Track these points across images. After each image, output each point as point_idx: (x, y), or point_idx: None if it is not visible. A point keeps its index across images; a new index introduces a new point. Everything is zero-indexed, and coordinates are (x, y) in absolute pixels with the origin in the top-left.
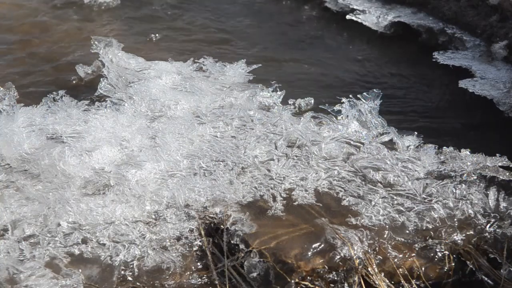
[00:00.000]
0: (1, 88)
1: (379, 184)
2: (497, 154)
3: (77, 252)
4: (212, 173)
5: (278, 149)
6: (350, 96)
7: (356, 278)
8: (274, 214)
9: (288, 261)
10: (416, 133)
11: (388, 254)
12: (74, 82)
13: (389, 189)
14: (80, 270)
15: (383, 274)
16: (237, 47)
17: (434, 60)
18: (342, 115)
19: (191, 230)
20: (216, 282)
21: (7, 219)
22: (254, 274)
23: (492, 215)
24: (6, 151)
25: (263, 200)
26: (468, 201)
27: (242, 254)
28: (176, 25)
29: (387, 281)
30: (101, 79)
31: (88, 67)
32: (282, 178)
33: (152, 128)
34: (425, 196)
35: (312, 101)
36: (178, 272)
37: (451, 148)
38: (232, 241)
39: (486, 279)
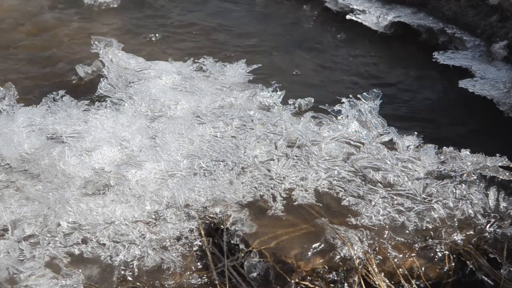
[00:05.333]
0: (1, 88)
1: (379, 184)
2: (497, 154)
3: (77, 252)
4: (212, 173)
5: (278, 149)
6: (350, 96)
7: (356, 278)
8: (274, 214)
9: (288, 261)
10: (416, 133)
11: (388, 254)
12: (74, 82)
13: (389, 189)
14: (80, 270)
15: (383, 274)
16: (237, 48)
17: (434, 60)
18: (342, 115)
19: (191, 230)
20: (216, 282)
21: (7, 219)
22: (254, 274)
23: (492, 215)
24: (6, 151)
25: (263, 200)
26: (468, 201)
27: (242, 254)
28: (176, 25)
29: (387, 281)
30: (101, 79)
31: (88, 67)
32: (282, 178)
33: (152, 128)
34: (425, 196)
35: (312, 101)
36: (178, 272)
37: (451, 148)
38: (232, 241)
39: (486, 279)
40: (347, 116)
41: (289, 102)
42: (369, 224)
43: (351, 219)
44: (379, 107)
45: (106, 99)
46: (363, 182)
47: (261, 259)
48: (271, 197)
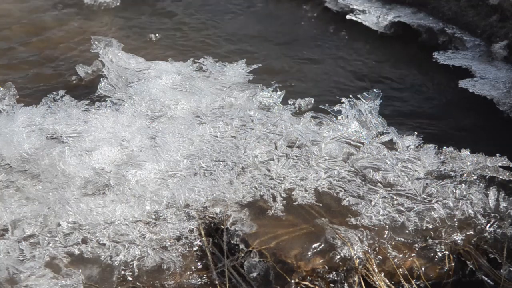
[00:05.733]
0: (1, 88)
1: (379, 184)
2: (497, 154)
3: (77, 252)
4: (212, 173)
5: (278, 149)
6: (350, 96)
7: (356, 278)
8: (274, 214)
9: (288, 261)
10: (416, 133)
11: (388, 254)
12: (74, 82)
13: (389, 189)
14: (80, 270)
15: (383, 274)
16: (237, 47)
17: (434, 60)
18: (342, 115)
19: (191, 230)
20: (216, 282)
21: (7, 219)
22: (254, 274)
23: (492, 215)
24: (6, 151)
25: (263, 200)
26: (468, 201)
27: (242, 254)
28: (176, 25)
29: (387, 281)
30: (101, 79)
31: (88, 67)
32: (282, 178)
33: (152, 128)
34: (425, 196)
35: (312, 101)
36: (178, 272)
37: (451, 148)
38: (232, 241)
39: (486, 279)
40: (347, 116)
41: (289, 102)
42: (369, 224)
43: (351, 219)
44: (379, 107)
45: (106, 99)
46: (363, 182)
47: (261, 259)
48: (271, 197)
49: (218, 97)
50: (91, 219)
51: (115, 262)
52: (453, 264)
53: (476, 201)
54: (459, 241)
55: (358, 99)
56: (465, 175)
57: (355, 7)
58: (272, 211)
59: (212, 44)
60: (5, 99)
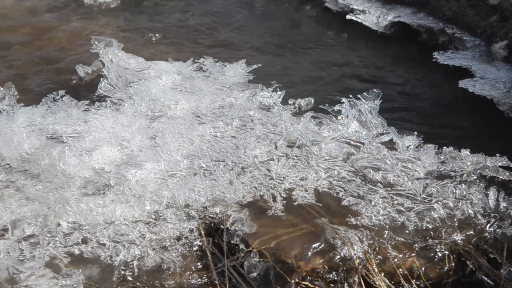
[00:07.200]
0: (1, 88)
1: (379, 184)
2: (497, 154)
3: (77, 252)
4: (212, 173)
5: (278, 149)
6: (350, 96)
7: (356, 278)
8: (274, 214)
9: (288, 261)
10: (416, 133)
11: (388, 254)
12: (74, 82)
13: (389, 189)
14: (80, 270)
15: (383, 274)
16: (237, 47)
17: (434, 60)
18: (342, 115)
19: (191, 230)
20: (216, 282)
21: (7, 219)
22: (254, 274)
23: (492, 215)
24: (6, 151)
25: (263, 200)
26: (468, 201)
27: (242, 254)
28: (176, 25)
29: (387, 281)
30: (101, 79)
31: (88, 67)
32: (282, 178)
33: (152, 128)
34: (425, 196)
35: (312, 101)
36: (178, 272)
37: (451, 148)
38: (232, 241)
39: (486, 279)
40: (347, 116)
41: (289, 102)
42: (369, 224)
43: (351, 219)
44: (379, 107)
45: (106, 99)
46: (363, 182)
47: (261, 259)
48: (271, 197)
49: (218, 97)
50: (91, 219)
51: (115, 262)
52: (453, 264)
53: (476, 201)
54: (459, 241)
55: (358, 99)
56: (465, 175)
57: (355, 7)
58: (272, 211)
59: (212, 44)
60: (5, 99)
